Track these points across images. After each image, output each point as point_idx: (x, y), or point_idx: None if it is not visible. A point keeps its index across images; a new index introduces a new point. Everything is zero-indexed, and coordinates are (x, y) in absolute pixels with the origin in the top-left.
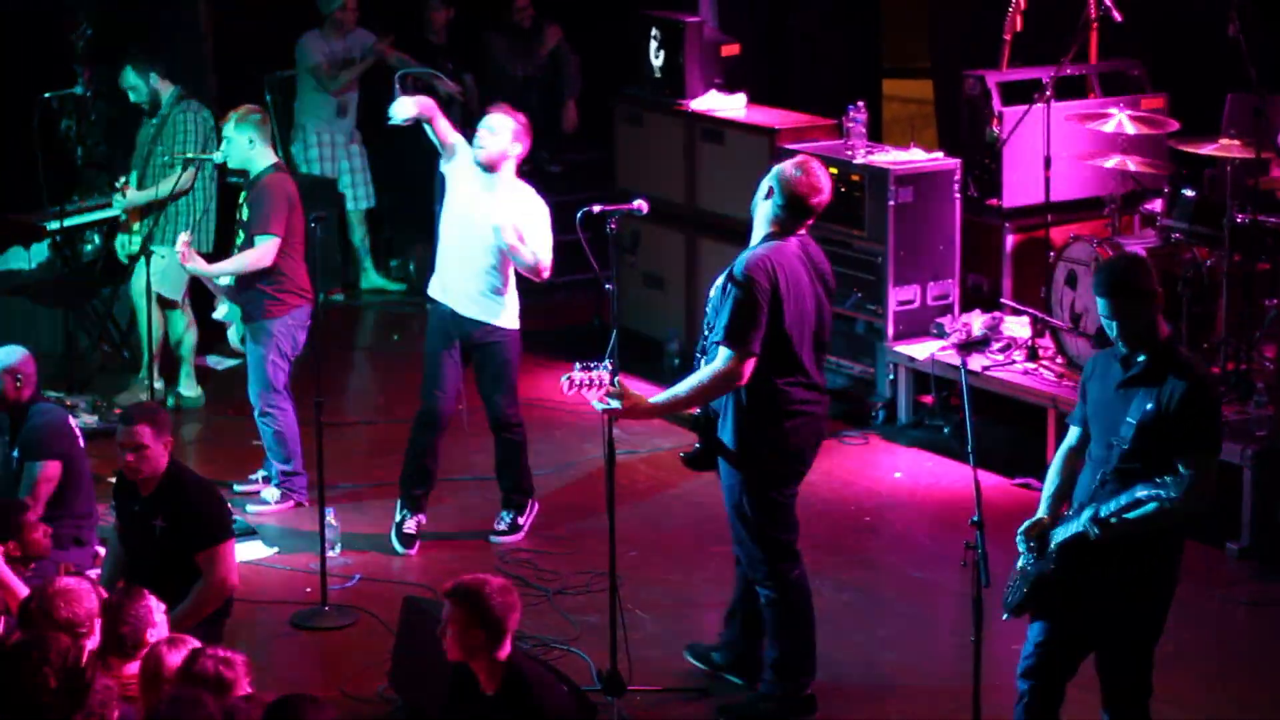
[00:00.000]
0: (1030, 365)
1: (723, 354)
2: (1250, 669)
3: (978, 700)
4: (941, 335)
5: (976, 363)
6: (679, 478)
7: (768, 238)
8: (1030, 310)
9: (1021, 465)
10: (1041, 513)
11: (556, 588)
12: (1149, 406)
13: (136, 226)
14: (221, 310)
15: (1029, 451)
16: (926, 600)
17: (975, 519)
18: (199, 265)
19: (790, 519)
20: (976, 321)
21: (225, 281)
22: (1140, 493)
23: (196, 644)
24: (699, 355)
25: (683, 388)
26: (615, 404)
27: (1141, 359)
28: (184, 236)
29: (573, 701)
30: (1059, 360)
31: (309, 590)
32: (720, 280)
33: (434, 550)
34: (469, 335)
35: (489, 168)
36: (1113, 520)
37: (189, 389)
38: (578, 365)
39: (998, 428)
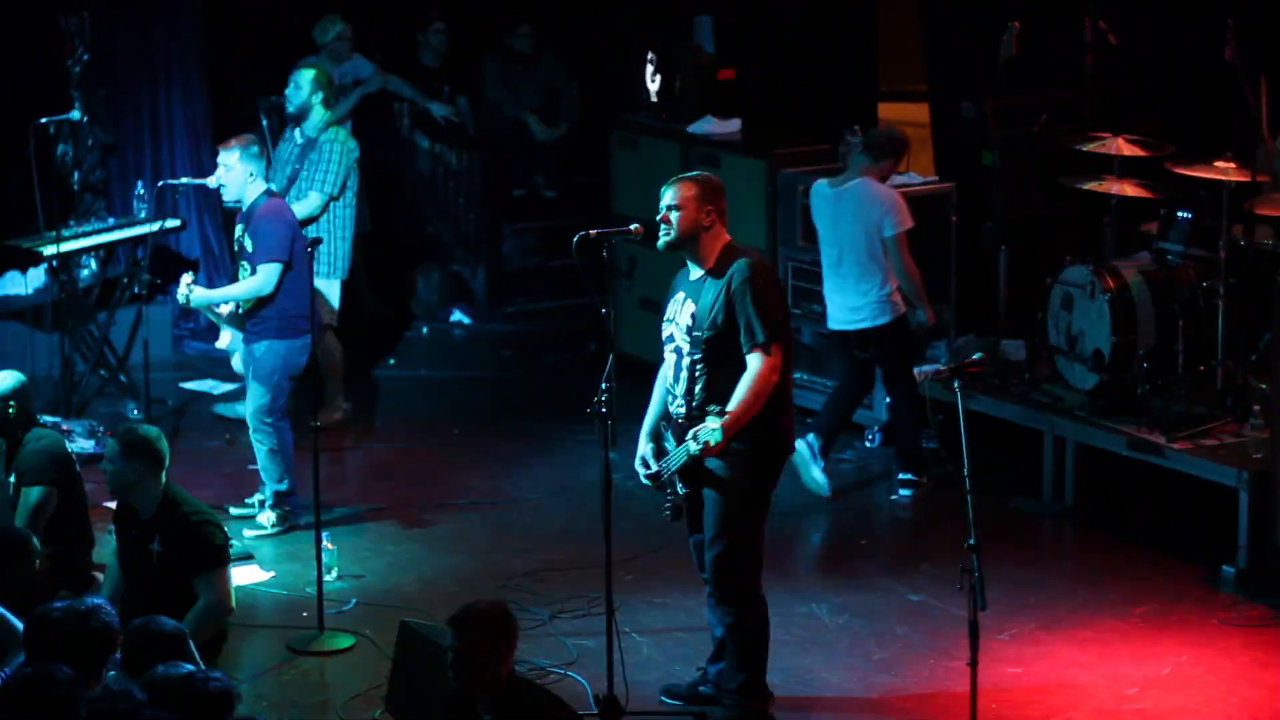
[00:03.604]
0: (1026, 388)
1: (760, 353)
2: (1248, 692)
3: None
4: (937, 358)
5: (972, 386)
6: None
7: (731, 247)
8: (1026, 334)
9: (1017, 489)
10: None
11: (553, 612)
12: None
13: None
14: (224, 339)
15: (1025, 475)
16: (923, 623)
17: (971, 542)
18: (201, 295)
19: (764, 531)
20: (972, 344)
21: (228, 309)
22: None
23: (192, 668)
24: (688, 351)
25: (744, 398)
26: (711, 438)
27: None
28: (185, 278)
29: None
30: (1055, 383)
31: (306, 615)
32: (710, 292)
33: (431, 575)
34: None
35: None
36: None
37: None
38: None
39: (993, 451)
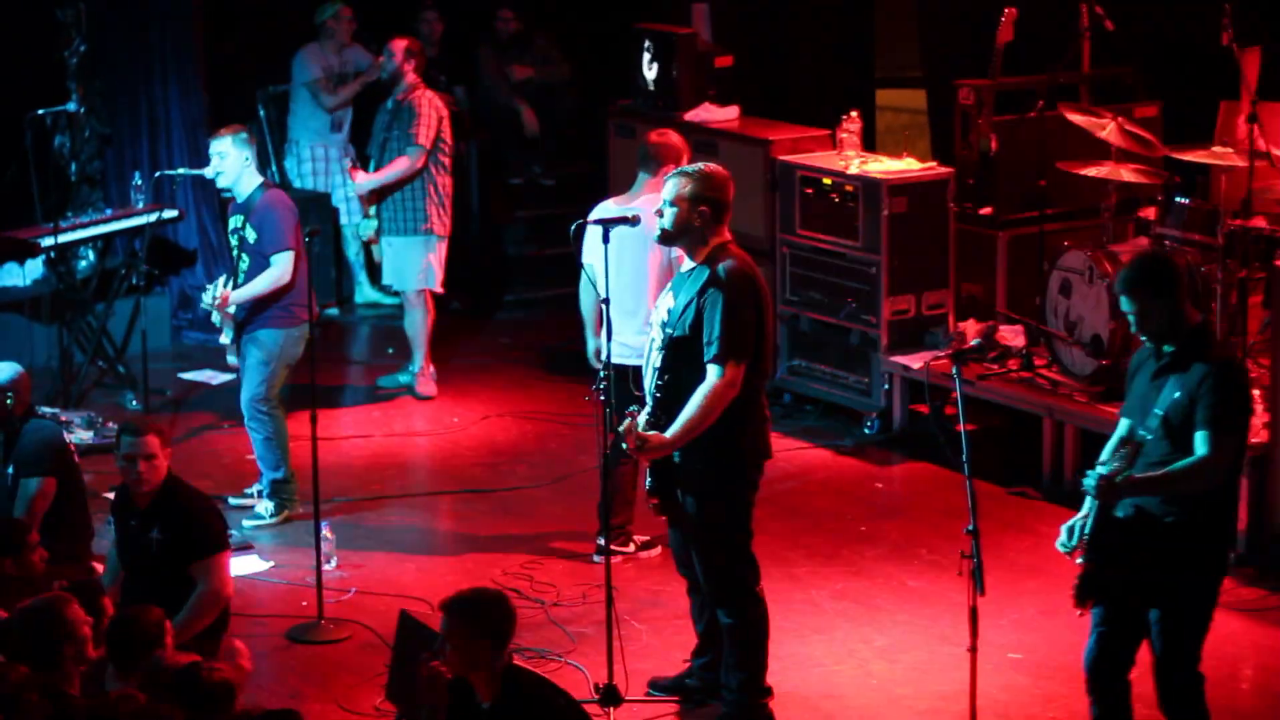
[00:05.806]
0: (1025, 374)
1: (718, 365)
2: (1250, 674)
3: (974, 710)
4: (936, 345)
5: (971, 372)
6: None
7: (723, 247)
8: (1025, 319)
9: (1017, 474)
10: (1084, 509)
11: (552, 600)
12: (1176, 395)
13: (372, 211)
14: (225, 338)
15: (1024, 461)
16: (923, 610)
17: (971, 528)
18: (231, 297)
19: (751, 530)
20: (971, 331)
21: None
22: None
23: (196, 658)
24: (659, 344)
25: (693, 412)
26: (641, 445)
27: (1169, 349)
28: (219, 281)
29: (570, 712)
30: (1054, 369)
31: (305, 604)
32: (689, 290)
33: (430, 564)
34: None
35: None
36: (1117, 480)
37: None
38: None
39: (993, 437)
